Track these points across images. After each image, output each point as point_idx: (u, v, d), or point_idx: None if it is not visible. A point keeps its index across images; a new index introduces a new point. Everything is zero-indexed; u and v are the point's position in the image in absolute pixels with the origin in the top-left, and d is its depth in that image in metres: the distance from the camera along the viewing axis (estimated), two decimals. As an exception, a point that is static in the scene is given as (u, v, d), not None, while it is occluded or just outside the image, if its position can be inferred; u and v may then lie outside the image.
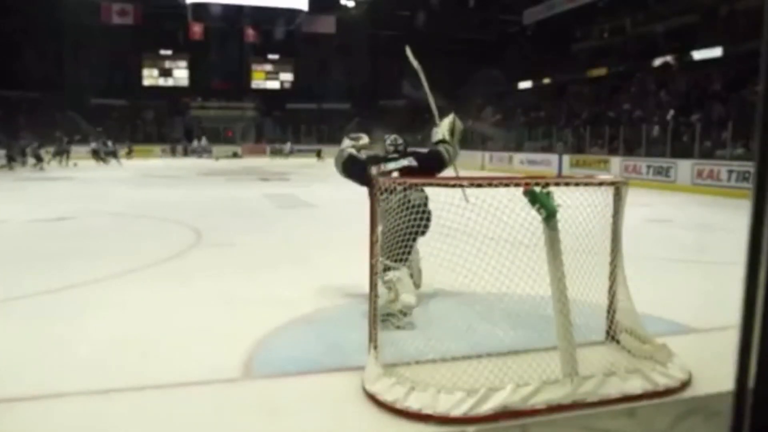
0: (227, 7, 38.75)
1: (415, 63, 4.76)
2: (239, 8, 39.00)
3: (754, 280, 1.04)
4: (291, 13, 39.85)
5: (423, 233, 3.75)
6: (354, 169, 4.28)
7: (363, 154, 4.40)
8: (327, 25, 40.98)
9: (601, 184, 3.30)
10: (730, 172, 13.85)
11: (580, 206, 3.05)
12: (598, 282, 3.14)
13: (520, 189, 2.80)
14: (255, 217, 10.06)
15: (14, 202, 12.08)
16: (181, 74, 43.07)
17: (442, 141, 4.32)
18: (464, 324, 3.35)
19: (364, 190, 3.46)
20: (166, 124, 39.90)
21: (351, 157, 4.31)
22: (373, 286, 3.09)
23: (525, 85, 33.81)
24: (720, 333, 3.46)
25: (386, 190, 3.35)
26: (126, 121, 37.77)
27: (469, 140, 29.38)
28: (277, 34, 40.20)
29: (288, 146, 35.04)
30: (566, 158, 19.54)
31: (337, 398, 2.85)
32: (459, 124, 4.41)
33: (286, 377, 3.13)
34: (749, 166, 12.74)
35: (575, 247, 2.99)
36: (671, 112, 18.22)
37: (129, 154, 30.67)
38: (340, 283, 5.05)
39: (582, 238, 3.03)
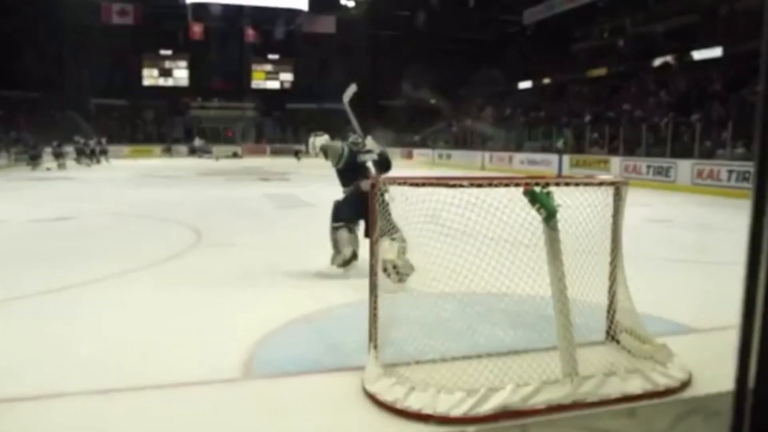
0: (227, 7, 38.73)
1: (346, 101, 5.61)
2: (239, 8, 38.99)
3: (754, 280, 1.04)
4: (291, 13, 39.85)
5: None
6: (351, 164, 5.37)
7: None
8: (327, 25, 40.97)
9: (601, 184, 3.29)
10: (730, 172, 13.85)
11: (580, 206, 3.05)
12: (598, 282, 3.13)
13: (520, 189, 2.80)
14: (255, 217, 10.06)
15: (14, 202, 12.08)
16: (181, 74, 43.10)
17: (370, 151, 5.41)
18: (464, 324, 3.34)
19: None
20: (166, 124, 39.91)
21: (346, 160, 5.40)
22: (373, 286, 3.09)
23: (525, 85, 33.82)
24: (720, 333, 3.46)
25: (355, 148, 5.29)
26: (126, 121, 37.79)
27: (469, 140, 29.48)
28: (277, 34, 40.20)
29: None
30: (566, 158, 19.53)
31: (337, 398, 2.85)
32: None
33: (286, 377, 3.13)
34: (749, 166, 12.73)
35: (575, 247, 2.98)
36: (669, 115, 18.17)
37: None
38: (340, 283, 5.05)
39: (582, 238, 3.02)
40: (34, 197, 13.28)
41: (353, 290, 4.56)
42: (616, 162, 17.70)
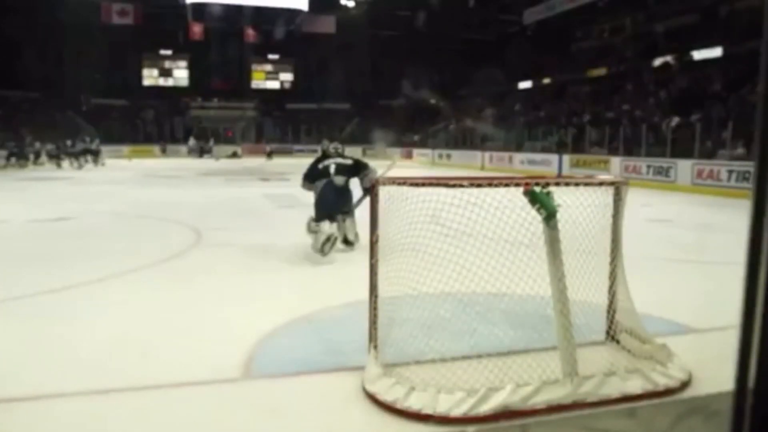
0: (227, 7, 38.69)
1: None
2: (239, 8, 38.92)
3: (754, 280, 1.04)
4: (291, 13, 39.78)
5: (341, 210, 6.32)
6: (311, 170, 6.57)
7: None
8: (327, 25, 40.93)
9: (601, 184, 3.29)
10: (730, 172, 13.84)
11: (580, 206, 3.05)
12: (598, 282, 3.14)
13: (520, 189, 2.80)
14: (255, 217, 10.06)
15: (14, 202, 12.08)
16: (181, 74, 43.06)
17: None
18: (464, 324, 3.34)
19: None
20: (166, 124, 39.89)
21: (309, 168, 6.65)
22: (373, 286, 3.09)
23: (525, 85, 33.80)
24: (720, 333, 3.46)
25: (326, 157, 6.66)
26: (126, 121, 37.76)
27: (468, 140, 29.47)
28: (277, 34, 40.11)
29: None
30: (566, 158, 19.52)
31: (337, 398, 2.85)
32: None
33: (286, 377, 3.13)
34: (749, 166, 12.73)
35: (575, 247, 2.98)
36: (675, 120, 18.03)
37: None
38: (340, 283, 5.05)
39: (582, 238, 3.02)
40: (34, 197, 13.29)
41: (353, 290, 4.56)
42: (616, 162, 17.69)
